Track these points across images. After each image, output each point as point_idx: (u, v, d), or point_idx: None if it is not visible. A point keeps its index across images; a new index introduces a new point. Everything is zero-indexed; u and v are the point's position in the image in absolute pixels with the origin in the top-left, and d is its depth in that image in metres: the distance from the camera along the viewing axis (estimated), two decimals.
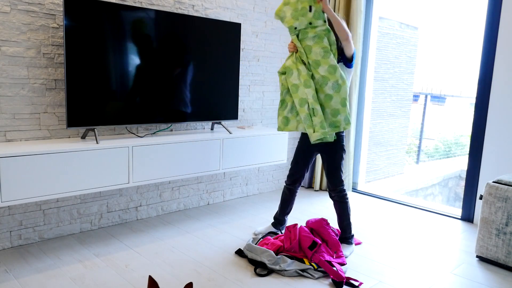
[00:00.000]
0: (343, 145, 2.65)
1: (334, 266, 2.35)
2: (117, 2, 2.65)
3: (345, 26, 2.47)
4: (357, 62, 3.76)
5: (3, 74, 2.35)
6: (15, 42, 2.37)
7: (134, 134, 2.85)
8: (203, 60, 3.01)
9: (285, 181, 2.85)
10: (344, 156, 2.66)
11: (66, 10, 2.34)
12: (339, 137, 2.61)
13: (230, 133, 3.10)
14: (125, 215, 2.99)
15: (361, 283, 2.22)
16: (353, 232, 2.72)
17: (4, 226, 2.46)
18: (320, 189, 4.07)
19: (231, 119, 3.24)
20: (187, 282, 1.75)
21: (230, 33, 3.12)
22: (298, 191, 2.84)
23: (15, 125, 2.43)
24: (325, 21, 2.43)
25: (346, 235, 2.68)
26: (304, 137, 2.72)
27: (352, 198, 3.79)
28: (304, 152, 2.74)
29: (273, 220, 2.94)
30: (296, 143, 4.08)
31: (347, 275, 2.32)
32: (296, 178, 2.79)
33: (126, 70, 2.64)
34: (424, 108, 10.46)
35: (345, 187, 2.68)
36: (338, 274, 2.23)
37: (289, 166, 4.06)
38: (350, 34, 2.48)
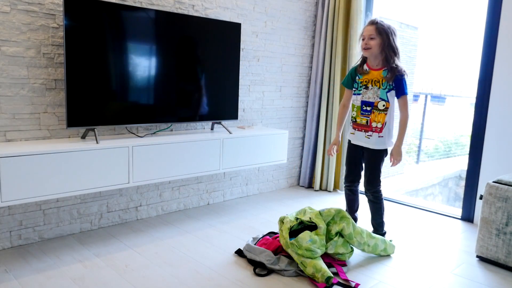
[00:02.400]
0: (387, 150, 2.69)
1: (334, 267, 2.36)
2: (117, 2, 2.65)
3: (405, 128, 2.62)
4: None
5: (3, 74, 2.35)
6: (15, 42, 2.36)
7: (134, 134, 2.85)
8: (203, 60, 3.00)
9: (344, 183, 2.88)
10: (382, 164, 2.71)
11: (66, 10, 2.34)
12: (386, 150, 2.70)
13: (230, 133, 3.10)
14: (125, 215, 2.99)
15: (357, 284, 2.22)
16: (385, 229, 2.80)
17: (4, 226, 2.46)
18: (320, 189, 4.07)
19: (231, 119, 3.24)
20: None
21: (230, 33, 3.12)
22: (359, 188, 2.88)
23: (15, 125, 2.43)
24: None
25: (377, 233, 2.75)
26: (349, 141, 2.81)
27: None
28: (353, 153, 2.79)
29: None
30: (295, 143, 4.10)
31: (349, 275, 2.32)
32: (352, 179, 2.83)
33: (126, 70, 2.64)
34: (424, 108, 10.45)
35: (381, 188, 2.73)
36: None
37: (289, 166, 4.07)
38: (408, 121, 2.61)
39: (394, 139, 2.68)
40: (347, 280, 2.25)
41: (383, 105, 2.59)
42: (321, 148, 3.95)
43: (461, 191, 7.88)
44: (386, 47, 2.52)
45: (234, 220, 3.13)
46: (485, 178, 3.16)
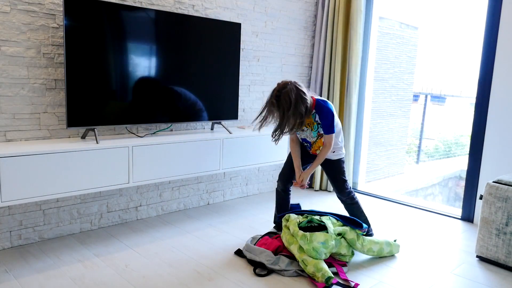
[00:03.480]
0: (343, 158, 2.75)
1: (334, 267, 2.36)
2: (117, 2, 2.65)
3: (321, 160, 2.62)
4: (357, 62, 3.75)
5: (3, 74, 2.35)
6: (15, 42, 2.37)
7: (134, 134, 2.85)
8: (203, 60, 3.01)
9: (277, 184, 2.83)
10: (343, 170, 2.75)
11: (66, 10, 2.34)
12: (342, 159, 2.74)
13: (230, 133, 3.10)
14: (125, 215, 2.99)
15: (357, 284, 2.22)
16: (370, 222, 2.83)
17: (4, 226, 2.46)
18: (320, 189, 4.07)
19: (231, 119, 3.24)
20: None
21: (230, 33, 3.12)
22: (291, 189, 2.87)
23: (15, 125, 2.43)
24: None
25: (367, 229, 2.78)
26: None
27: None
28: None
29: (274, 225, 2.96)
30: None
31: (349, 275, 2.32)
32: (287, 179, 2.80)
33: (126, 70, 2.64)
34: (424, 108, 10.46)
35: (350, 187, 2.77)
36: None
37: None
38: (331, 147, 2.58)
39: (343, 150, 2.75)
40: (347, 280, 2.25)
41: (317, 136, 2.64)
42: None
43: (461, 191, 7.88)
44: (296, 115, 2.45)
45: (234, 220, 3.13)
46: (485, 178, 3.16)
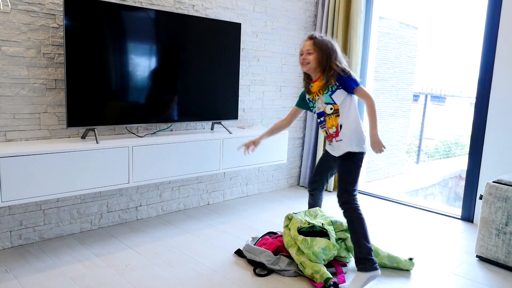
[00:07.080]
0: (357, 163, 2.39)
1: (334, 267, 2.36)
2: (117, 2, 2.66)
3: (374, 114, 2.32)
4: (357, 62, 3.75)
5: (3, 74, 2.35)
6: (15, 42, 2.37)
7: (134, 134, 2.85)
8: (203, 60, 3.01)
9: (308, 188, 2.71)
10: (355, 173, 2.37)
11: (66, 10, 2.34)
12: (356, 155, 2.37)
13: (230, 133, 3.11)
14: (125, 215, 2.99)
15: None
16: (368, 256, 2.16)
17: (4, 226, 2.46)
18: None
19: (231, 119, 3.24)
20: None
21: (230, 33, 3.12)
22: (322, 195, 2.69)
23: (15, 125, 2.43)
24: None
25: (356, 256, 2.20)
26: (327, 151, 2.57)
27: None
28: (324, 163, 2.61)
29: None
30: (295, 143, 4.10)
31: (348, 276, 2.32)
32: (315, 186, 2.65)
33: (126, 70, 2.64)
34: (424, 108, 10.46)
35: (346, 205, 2.29)
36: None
37: (289, 166, 4.07)
38: (374, 106, 2.35)
39: (364, 143, 2.39)
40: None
41: (331, 108, 2.40)
42: (321, 148, 3.95)
43: (461, 191, 7.88)
44: (324, 60, 2.36)
45: (234, 220, 3.13)
46: (485, 178, 3.16)
